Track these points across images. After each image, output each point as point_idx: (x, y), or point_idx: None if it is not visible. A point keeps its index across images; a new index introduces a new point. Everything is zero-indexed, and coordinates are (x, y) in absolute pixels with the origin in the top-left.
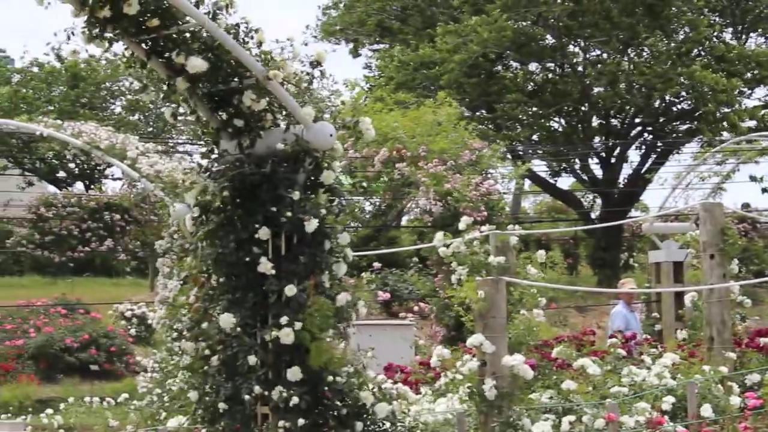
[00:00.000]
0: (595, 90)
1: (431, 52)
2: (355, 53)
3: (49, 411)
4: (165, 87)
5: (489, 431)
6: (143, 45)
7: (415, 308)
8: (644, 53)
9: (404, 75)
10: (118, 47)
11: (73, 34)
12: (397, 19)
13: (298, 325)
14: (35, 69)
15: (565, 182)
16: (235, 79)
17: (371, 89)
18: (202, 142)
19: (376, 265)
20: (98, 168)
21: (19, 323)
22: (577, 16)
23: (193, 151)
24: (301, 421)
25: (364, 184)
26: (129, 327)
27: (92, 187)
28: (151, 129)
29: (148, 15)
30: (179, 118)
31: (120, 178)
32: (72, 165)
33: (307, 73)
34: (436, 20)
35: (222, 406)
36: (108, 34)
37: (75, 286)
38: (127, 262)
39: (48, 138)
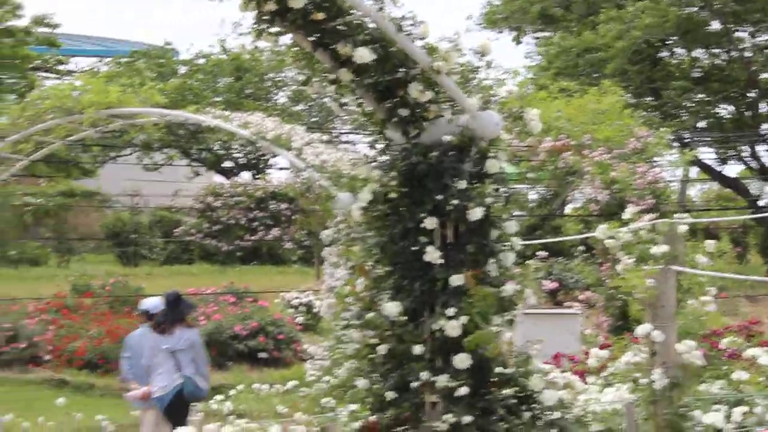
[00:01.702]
0: (763, 76)
1: (593, 37)
2: (517, 41)
3: (219, 397)
4: (330, 78)
5: (658, 422)
6: (309, 37)
7: (582, 297)
8: None
9: (565, 61)
10: (282, 39)
11: (240, 26)
12: (560, 6)
13: (464, 318)
14: (201, 61)
15: (732, 169)
16: (401, 70)
17: (533, 78)
18: (365, 132)
19: (541, 254)
20: (264, 158)
21: None
22: (744, 1)
23: (357, 141)
24: (468, 410)
25: (529, 174)
26: (296, 315)
27: (258, 176)
28: (314, 119)
29: (314, 7)
30: (339, 109)
31: (285, 168)
32: (238, 155)
33: (472, 66)
34: (599, 7)
35: (390, 394)
36: (275, 28)
37: (242, 274)
38: (293, 251)
39: (216, 129)
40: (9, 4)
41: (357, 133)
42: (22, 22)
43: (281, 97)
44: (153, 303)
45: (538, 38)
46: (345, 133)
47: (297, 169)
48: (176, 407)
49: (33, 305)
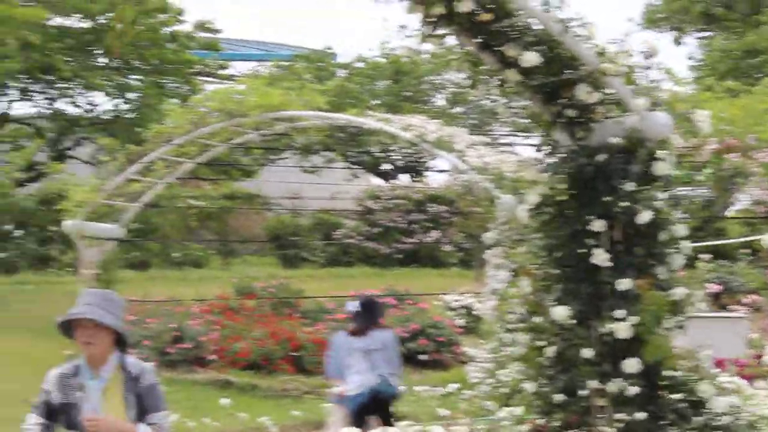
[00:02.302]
0: None
1: (756, 39)
2: (677, 42)
3: None
4: (496, 80)
5: None
6: (475, 39)
7: (746, 301)
8: None
9: (727, 64)
10: (445, 41)
11: (405, 28)
12: (722, 6)
13: (634, 319)
14: (359, 64)
15: None
16: (568, 72)
17: (696, 78)
18: (524, 135)
19: (705, 256)
20: (422, 161)
21: None
22: None
23: (516, 143)
24: (638, 414)
25: (695, 175)
26: (455, 317)
27: (416, 179)
28: (473, 121)
29: (481, 10)
30: (505, 110)
31: (444, 171)
32: (396, 158)
33: (638, 66)
34: (762, 5)
35: (557, 397)
36: (441, 31)
37: (401, 277)
38: (452, 254)
39: (377, 131)
40: (172, 10)
41: (516, 135)
42: (184, 28)
43: (439, 100)
44: (354, 305)
45: (700, 38)
46: (504, 135)
47: (459, 171)
48: (370, 406)
49: (197, 307)
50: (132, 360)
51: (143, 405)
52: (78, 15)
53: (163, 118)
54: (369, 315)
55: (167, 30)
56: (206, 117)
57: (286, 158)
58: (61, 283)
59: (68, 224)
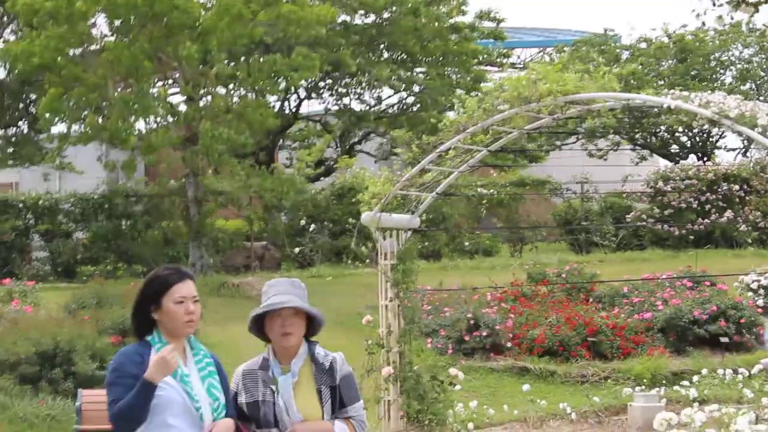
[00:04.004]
0: None
1: None
2: None
3: (685, 383)
4: None
5: None
6: None
7: None
8: None
9: None
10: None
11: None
12: None
13: None
14: (643, 45)
15: None
16: None
17: None
18: None
19: None
20: (710, 140)
21: (645, 296)
22: None
23: None
24: None
25: None
26: (756, 298)
27: (706, 159)
28: (761, 98)
29: None
30: None
31: (736, 149)
32: (684, 138)
33: None
34: None
35: None
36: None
37: (696, 258)
38: (748, 233)
39: (674, 110)
40: (454, 1)
41: None
42: (466, 19)
43: (727, 77)
44: None
45: None
46: None
47: (764, 147)
48: None
49: (490, 294)
50: (321, 350)
51: (339, 398)
52: (362, 11)
53: (448, 109)
54: None
55: (450, 21)
56: (499, 105)
57: (573, 143)
58: (356, 275)
59: (365, 216)
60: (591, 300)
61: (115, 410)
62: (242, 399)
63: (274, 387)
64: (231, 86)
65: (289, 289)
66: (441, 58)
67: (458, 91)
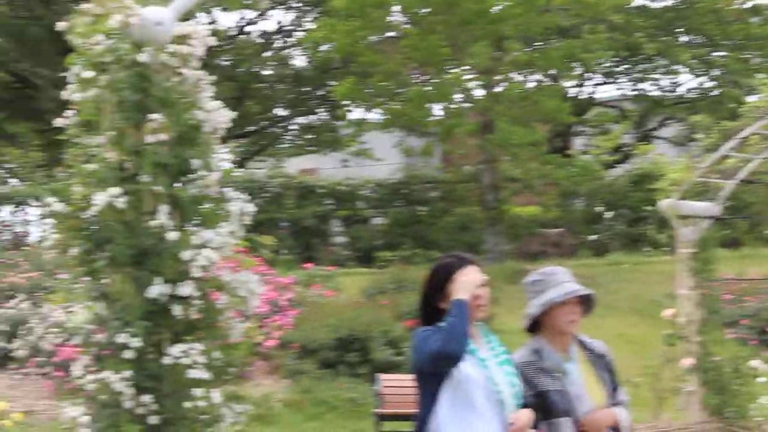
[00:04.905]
0: None
1: None
2: None
3: None
4: None
5: None
6: None
7: None
8: None
9: None
10: None
11: None
12: None
13: None
14: None
15: None
16: None
17: None
18: None
19: None
20: None
21: None
22: None
23: None
24: None
25: None
26: None
27: None
28: None
29: None
30: None
31: None
32: None
33: None
34: None
35: None
36: None
37: None
38: None
39: None
40: None
41: None
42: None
43: None
44: None
45: None
46: None
47: None
48: None
49: None
50: (585, 336)
51: (612, 382)
52: None
53: (749, 93)
54: None
55: (751, 4)
56: None
57: None
58: (653, 263)
59: (664, 204)
60: None
61: (437, 341)
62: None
63: (558, 375)
64: (525, 72)
65: (572, 277)
66: (741, 42)
67: (760, 75)
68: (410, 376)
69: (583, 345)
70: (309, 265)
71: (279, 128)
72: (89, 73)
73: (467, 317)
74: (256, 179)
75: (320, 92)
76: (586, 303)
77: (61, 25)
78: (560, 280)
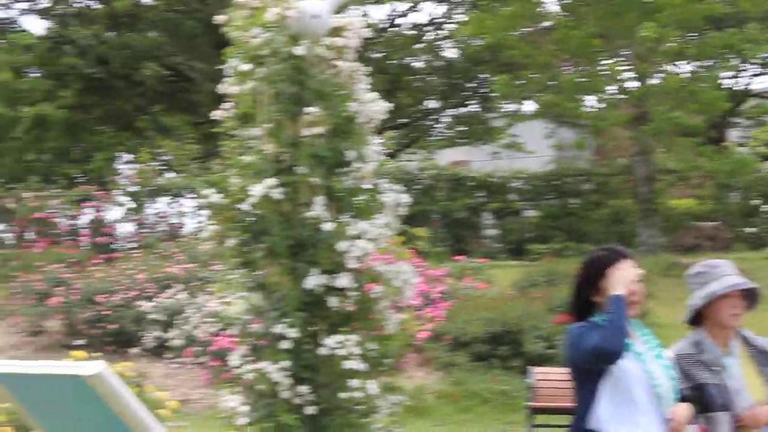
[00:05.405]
0: None
1: None
2: None
3: None
4: None
5: None
6: None
7: None
8: None
9: None
10: None
11: None
12: None
13: None
14: None
15: None
16: None
17: None
18: None
19: None
20: None
21: None
22: None
23: None
24: None
25: None
26: None
27: None
28: None
29: None
30: None
31: None
32: None
33: None
34: None
35: None
36: None
37: None
38: None
39: None
40: None
41: None
42: None
43: None
44: None
45: None
46: None
47: None
48: None
49: None
50: (749, 332)
51: None
52: None
53: None
54: None
55: None
56: None
57: None
58: None
59: None
60: None
61: (595, 337)
62: (681, 384)
63: (718, 369)
64: (681, 63)
65: (736, 270)
66: None
67: None
68: (563, 370)
69: (746, 340)
70: (460, 257)
71: (430, 120)
72: (246, 66)
73: (625, 313)
74: (408, 171)
75: (471, 84)
76: (749, 297)
77: (218, 19)
78: (724, 272)
